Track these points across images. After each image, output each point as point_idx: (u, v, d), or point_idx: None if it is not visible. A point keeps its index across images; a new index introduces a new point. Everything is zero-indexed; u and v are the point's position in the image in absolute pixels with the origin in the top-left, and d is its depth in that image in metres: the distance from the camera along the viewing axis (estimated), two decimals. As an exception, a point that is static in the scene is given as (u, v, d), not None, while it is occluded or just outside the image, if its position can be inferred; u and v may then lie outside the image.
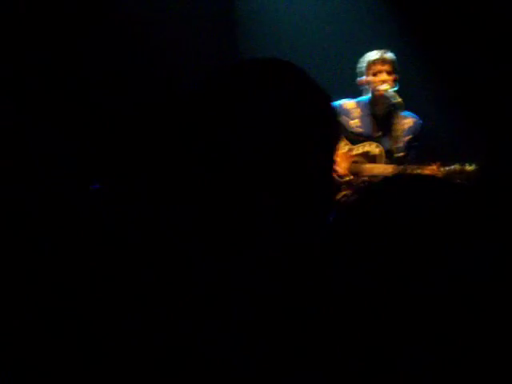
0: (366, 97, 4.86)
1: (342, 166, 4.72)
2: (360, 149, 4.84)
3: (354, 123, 4.83)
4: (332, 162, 1.27)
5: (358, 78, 4.84)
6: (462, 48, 5.57)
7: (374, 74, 4.72)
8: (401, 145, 4.77)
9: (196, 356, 1.03)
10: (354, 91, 4.93)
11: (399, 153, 4.75)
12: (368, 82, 4.78)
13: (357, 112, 4.85)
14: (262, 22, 5.94)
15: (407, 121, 4.82)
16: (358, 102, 4.87)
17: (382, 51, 4.74)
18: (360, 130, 4.83)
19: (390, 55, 4.73)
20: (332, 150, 1.26)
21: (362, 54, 4.87)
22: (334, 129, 1.27)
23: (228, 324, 1.04)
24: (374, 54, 4.75)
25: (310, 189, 1.19)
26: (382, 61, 4.70)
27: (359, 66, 4.82)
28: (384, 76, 4.68)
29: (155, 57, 5.37)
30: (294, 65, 1.26)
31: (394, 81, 4.72)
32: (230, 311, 1.04)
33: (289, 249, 1.12)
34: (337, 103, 4.75)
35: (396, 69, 4.74)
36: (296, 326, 1.02)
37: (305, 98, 1.22)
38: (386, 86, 4.66)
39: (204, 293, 1.05)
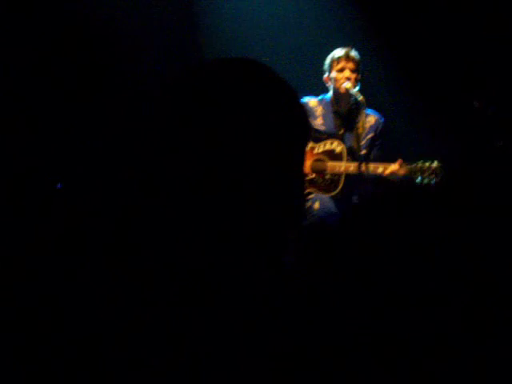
0: (328, 94, 4.87)
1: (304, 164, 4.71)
2: (322, 147, 4.84)
3: (317, 121, 4.83)
4: (303, 159, 1.27)
5: (324, 75, 4.84)
6: (426, 46, 5.62)
7: (338, 71, 4.72)
8: (363, 143, 4.78)
9: (189, 355, 1.01)
10: (317, 89, 4.93)
11: (362, 151, 4.75)
12: (331, 79, 4.78)
13: (319, 110, 4.85)
14: (222, 20, 5.92)
15: (370, 119, 4.83)
16: (320, 100, 4.88)
17: (347, 49, 4.75)
18: (322, 127, 4.83)
19: (354, 53, 4.74)
20: (303, 147, 1.26)
21: (325, 51, 4.88)
22: (304, 126, 1.26)
23: (220, 324, 1.02)
24: (338, 51, 4.76)
25: (282, 188, 1.18)
26: (346, 58, 4.71)
27: (325, 62, 4.82)
28: (347, 73, 4.69)
29: (115, 58, 5.32)
30: (261, 63, 1.25)
31: (357, 79, 4.73)
32: (222, 311, 1.03)
33: (268, 250, 1.10)
34: (302, 101, 4.73)
35: (359, 67, 4.75)
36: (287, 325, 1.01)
37: (274, 96, 1.21)
38: (349, 83, 4.67)
39: (195, 293, 1.04)
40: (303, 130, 1.25)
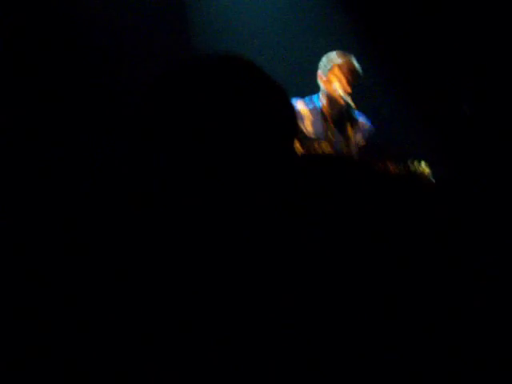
0: (316, 97, 4.82)
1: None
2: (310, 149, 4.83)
3: (305, 123, 4.81)
4: (292, 155, 1.27)
5: (320, 72, 4.79)
6: (416, 48, 5.64)
7: (338, 79, 4.66)
8: (352, 148, 4.78)
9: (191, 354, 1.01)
10: (304, 89, 4.92)
11: (352, 154, 4.75)
12: (327, 82, 4.74)
13: (307, 112, 4.82)
14: (213, 16, 5.93)
15: (359, 124, 4.83)
16: (307, 102, 4.83)
17: (353, 60, 4.67)
18: (310, 130, 4.82)
19: (358, 67, 4.69)
20: (291, 144, 1.26)
21: (313, 52, 4.85)
22: (292, 124, 1.26)
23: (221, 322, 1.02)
24: (343, 59, 4.69)
25: (267, 183, 1.18)
26: (351, 71, 4.66)
27: (324, 60, 4.76)
28: (346, 86, 4.64)
29: (106, 51, 5.33)
30: (250, 61, 1.25)
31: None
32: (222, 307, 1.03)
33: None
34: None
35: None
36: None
37: (263, 93, 1.21)
38: (343, 92, 4.64)
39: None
40: (291, 128, 1.25)
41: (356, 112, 4.76)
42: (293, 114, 1.27)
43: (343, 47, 4.83)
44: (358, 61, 4.73)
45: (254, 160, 1.15)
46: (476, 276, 1.09)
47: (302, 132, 4.75)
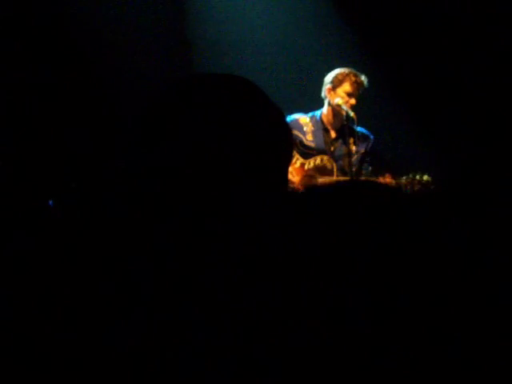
0: (318, 111, 4.88)
1: (295, 179, 4.74)
2: (312, 163, 4.85)
3: (307, 137, 4.84)
4: (286, 174, 1.28)
5: (325, 85, 4.82)
6: (415, 61, 5.66)
7: (348, 94, 4.70)
8: (353, 159, 4.79)
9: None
10: (305, 105, 4.95)
11: (351, 166, 4.77)
12: (331, 95, 4.77)
13: (309, 126, 4.86)
14: (214, 39, 5.95)
15: (361, 136, 4.85)
16: (310, 117, 4.88)
17: (364, 77, 4.73)
18: (312, 144, 4.85)
19: (365, 83, 4.75)
20: (286, 163, 1.27)
21: (312, 66, 4.89)
22: (286, 143, 1.27)
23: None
24: (356, 75, 4.73)
25: (261, 202, 1.19)
26: (361, 87, 4.71)
27: (330, 73, 4.80)
28: (353, 101, 4.69)
29: (108, 71, 5.36)
30: (246, 80, 1.27)
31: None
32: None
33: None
34: (292, 118, 4.77)
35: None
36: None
37: (257, 112, 1.23)
38: (341, 100, 4.68)
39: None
40: (285, 147, 1.26)
41: (358, 124, 4.77)
42: (288, 136, 1.28)
43: (348, 62, 4.87)
44: (363, 73, 4.77)
45: (246, 179, 1.16)
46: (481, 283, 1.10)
47: (302, 143, 4.79)
